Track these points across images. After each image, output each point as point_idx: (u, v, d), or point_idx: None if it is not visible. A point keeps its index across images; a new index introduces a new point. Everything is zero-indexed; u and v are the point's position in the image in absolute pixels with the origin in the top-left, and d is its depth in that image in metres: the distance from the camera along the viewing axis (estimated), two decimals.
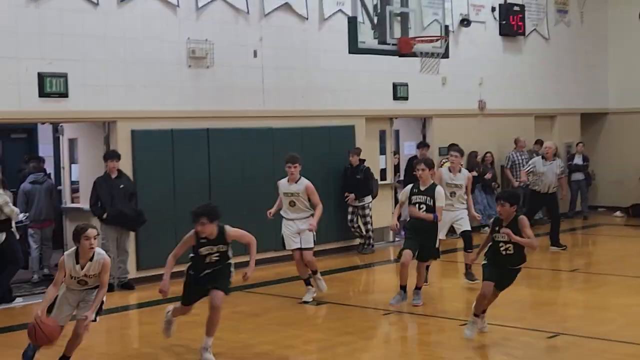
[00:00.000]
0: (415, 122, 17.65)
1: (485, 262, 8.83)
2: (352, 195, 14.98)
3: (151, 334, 9.70)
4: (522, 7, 18.84)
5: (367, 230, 15.31)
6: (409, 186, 10.60)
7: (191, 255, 8.41)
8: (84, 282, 7.71)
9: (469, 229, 11.76)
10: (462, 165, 12.17)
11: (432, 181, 10.43)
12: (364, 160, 15.13)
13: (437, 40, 13.15)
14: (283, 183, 11.00)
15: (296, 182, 10.85)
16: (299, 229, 10.82)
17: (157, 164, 12.82)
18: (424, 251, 10.44)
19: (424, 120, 17.46)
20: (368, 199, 15.20)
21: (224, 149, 13.55)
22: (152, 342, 9.29)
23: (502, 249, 8.63)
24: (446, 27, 13.85)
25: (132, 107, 12.61)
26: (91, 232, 7.65)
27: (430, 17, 15.36)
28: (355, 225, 15.22)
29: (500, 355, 8.48)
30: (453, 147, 12.84)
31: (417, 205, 10.29)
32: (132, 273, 12.52)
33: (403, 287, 10.32)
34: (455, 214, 11.73)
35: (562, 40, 20.16)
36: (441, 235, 11.68)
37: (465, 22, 17.54)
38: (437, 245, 10.57)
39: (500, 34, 18.59)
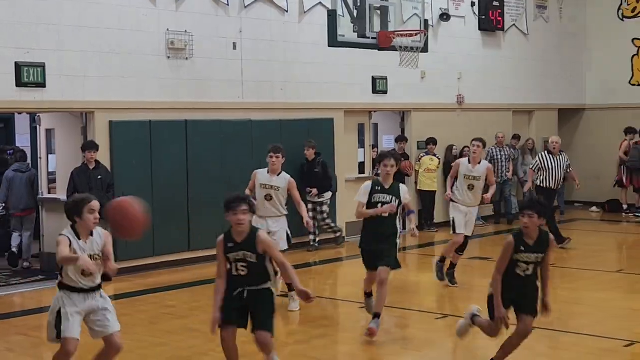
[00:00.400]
0: (394, 116, 17.69)
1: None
2: (315, 190, 14.58)
3: (126, 326, 9.62)
4: (502, 2, 18.91)
5: (326, 225, 14.92)
6: (368, 183, 9.12)
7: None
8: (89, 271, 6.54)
9: (470, 234, 11.36)
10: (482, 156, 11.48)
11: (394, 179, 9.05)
12: (320, 153, 14.76)
13: (416, 34, 13.19)
14: (263, 174, 10.12)
15: (278, 175, 10.05)
16: (268, 229, 9.71)
17: (135, 155, 12.77)
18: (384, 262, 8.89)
19: (403, 114, 17.50)
20: (328, 195, 14.86)
21: (203, 140, 13.52)
22: (127, 334, 9.26)
23: (520, 269, 7.22)
24: (426, 21, 13.90)
25: (110, 98, 12.55)
26: (95, 203, 6.51)
27: (410, 11, 15.39)
28: (317, 225, 14.75)
29: (474, 348, 8.52)
30: (474, 139, 11.58)
31: (379, 206, 8.85)
32: None
33: (368, 294, 9.32)
34: (469, 209, 11.23)
35: (540, 36, 20.26)
36: (467, 231, 11.20)
37: (444, 16, 17.60)
38: (397, 254, 9.07)
39: (480, 29, 18.65)
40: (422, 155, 17.18)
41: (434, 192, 17.14)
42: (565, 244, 14.69)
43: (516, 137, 19.11)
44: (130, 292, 11.52)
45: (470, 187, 11.20)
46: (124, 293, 11.44)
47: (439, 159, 17.30)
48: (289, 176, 10.13)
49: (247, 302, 6.84)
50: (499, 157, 18.05)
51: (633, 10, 20.67)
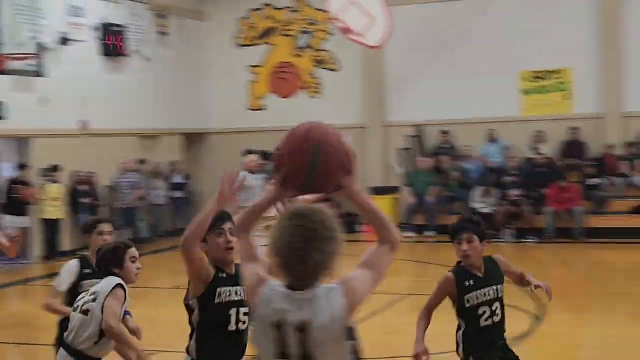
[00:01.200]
0: (14, 143, 16.90)
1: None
2: None
3: None
4: (123, 27, 18.91)
5: None
6: (74, 263, 6.04)
7: (198, 316, 4.44)
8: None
9: None
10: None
11: None
12: None
13: (32, 57, 12.81)
14: None
15: None
16: None
17: None
18: None
19: (24, 140, 16.77)
20: None
21: None
22: None
23: (485, 316, 5.31)
24: (43, 44, 13.52)
25: None
26: (135, 250, 5.49)
27: (25, 33, 14.89)
28: None
29: None
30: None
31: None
32: None
33: None
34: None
35: (163, 62, 20.57)
36: None
37: (64, 40, 17.15)
38: None
39: (102, 53, 18.47)
40: (46, 182, 16.60)
41: (59, 220, 16.68)
42: None
43: (142, 162, 19.18)
44: None
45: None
46: None
47: (64, 187, 16.86)
48: None
49: None
50: (124, 183, 18.00)
51: (248, 39, 21.84)
